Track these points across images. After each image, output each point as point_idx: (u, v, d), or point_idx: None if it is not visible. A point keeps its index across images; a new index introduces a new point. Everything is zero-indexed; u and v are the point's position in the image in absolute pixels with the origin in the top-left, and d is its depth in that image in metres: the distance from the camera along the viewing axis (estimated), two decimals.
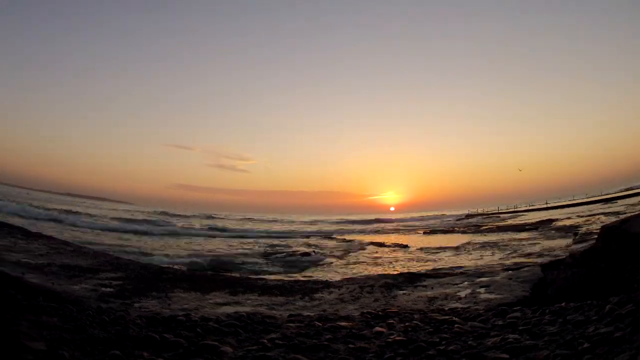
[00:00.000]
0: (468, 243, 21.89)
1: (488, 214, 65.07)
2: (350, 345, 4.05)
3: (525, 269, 9.06)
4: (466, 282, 8.34)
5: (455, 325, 4.48)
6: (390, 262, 16.20)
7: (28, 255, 9.11)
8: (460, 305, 6.23)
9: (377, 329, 4.67)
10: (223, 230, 43.85)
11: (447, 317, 5.02)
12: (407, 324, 4.80)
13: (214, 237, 34.36)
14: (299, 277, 13.34)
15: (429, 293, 7.64)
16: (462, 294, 7.29)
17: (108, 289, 7.24)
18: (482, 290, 7.37)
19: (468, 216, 66.09)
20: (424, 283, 8.76)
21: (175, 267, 13.10)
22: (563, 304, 4.64)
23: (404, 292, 7.98)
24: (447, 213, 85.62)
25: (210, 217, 70.33)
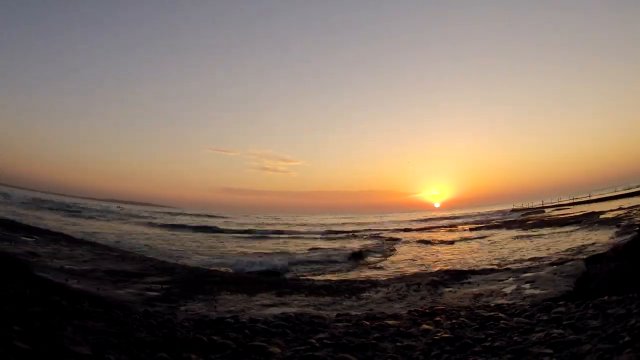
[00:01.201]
0: (513, 238, 21.42)
1: (533, 209, 63.09)
2: (398, 344, 3.99)
3: (569, 263, 8.86)
4: (511, 278, 8.23)
5: (501, 322, 4.44)
6: (437, 260, 16.00)
7: (72, 262, 9.02)
8: (506, 302, 6.16)
9: (424, 326, 4.60)
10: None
11: (493, 313, 4.96)
12: (453, 321, 4.74)
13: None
14: (346, 276, 13.26)
15: (475, 290, 7.58)
16: (508, 290, 7.23)
17: (154, 293, 7.23)
18: (527, 285, 7.28)
19: (513, 211, 64.24)
20: (470, 280, 8.70)
21: (222, 269, 13.04)
22: (605, 298, 4.58)
23: (450, 289, 7.93)
24: (493, 209, 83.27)
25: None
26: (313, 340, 4.02)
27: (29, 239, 11.40)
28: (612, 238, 14.51)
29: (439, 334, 4.19)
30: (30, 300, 4.43)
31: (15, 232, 12.15)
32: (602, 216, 25.61)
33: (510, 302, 6.09)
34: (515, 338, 3.76)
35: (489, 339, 3.87)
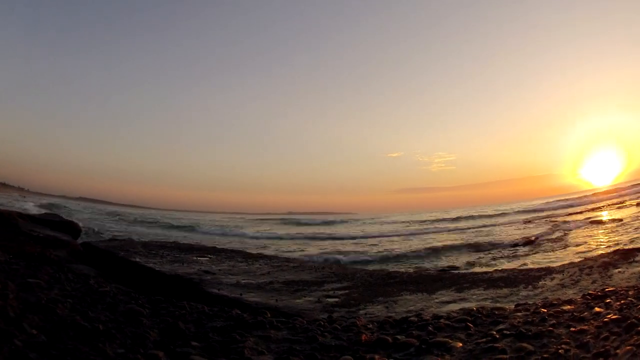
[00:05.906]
0: None
1: None
2: (572, 329, 3.93)
3: None
4: None
5: None
6: (607, 240, 14.57)
7: (248, 276, 8.70)
8: None
9: (596, 309, 4.50)
10: None
11: None
12: (622, 301, 4.59)
13: None
14: (521, 266, 12.66)
15: None
16: None
17: (333, 299, 6.88)
18: None
19: None
20: (637, 258, 7.98)
21: (402, 270, 12.45)
22: None
23: (619, 269, 7.41)
24: None
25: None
26: (493, 332, 3.97)
27: (202, 258, 10.92)
28: None
29: (609, 316, 4.13)
30: (209, 316, 4.47)
31: (188, 253, 11.81)
32: None
33: None
34: None
35: None
